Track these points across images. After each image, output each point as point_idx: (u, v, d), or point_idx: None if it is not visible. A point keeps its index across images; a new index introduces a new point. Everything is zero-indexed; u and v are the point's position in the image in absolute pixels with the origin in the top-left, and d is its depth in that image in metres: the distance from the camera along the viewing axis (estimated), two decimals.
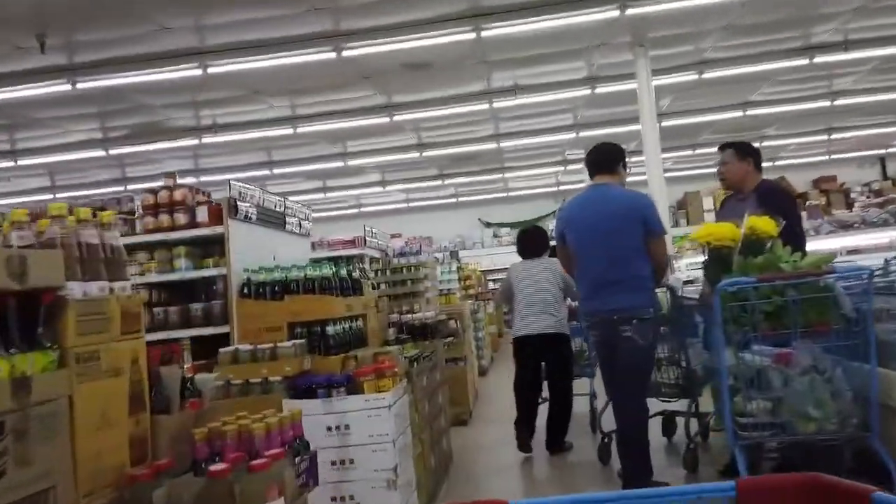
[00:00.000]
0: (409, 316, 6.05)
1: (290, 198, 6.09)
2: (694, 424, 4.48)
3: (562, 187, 19.06)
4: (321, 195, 16.91)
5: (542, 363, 5.29)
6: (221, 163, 13.40)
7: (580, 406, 5.63)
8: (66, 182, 14.11)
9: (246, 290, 4.57)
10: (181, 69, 7.95)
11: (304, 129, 10.94)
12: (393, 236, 10.49)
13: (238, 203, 4.73)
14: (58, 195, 14.15)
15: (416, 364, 4.62)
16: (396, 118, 10.81)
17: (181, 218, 4.76)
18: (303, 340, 4.23)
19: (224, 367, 3.90)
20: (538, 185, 18.80)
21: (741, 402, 3.23)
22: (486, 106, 10.65)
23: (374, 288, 5.79)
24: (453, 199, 19.47)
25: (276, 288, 4.53)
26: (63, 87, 8.06)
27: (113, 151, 11.47)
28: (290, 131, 10.98)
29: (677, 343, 4.42)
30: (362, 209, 19.37)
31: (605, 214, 3.90)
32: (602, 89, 10.42)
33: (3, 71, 7.88)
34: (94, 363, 1.87)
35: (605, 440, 4.59)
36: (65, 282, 1.79)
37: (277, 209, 5.44)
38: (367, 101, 10.43)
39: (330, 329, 4.39)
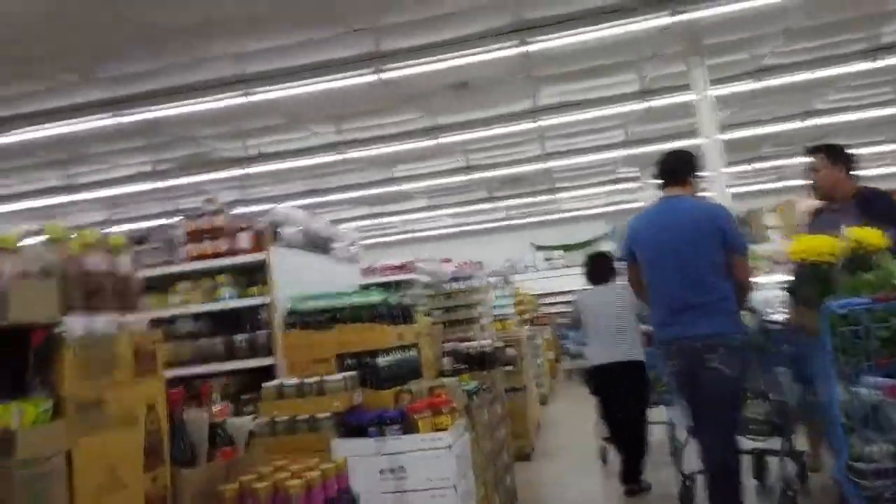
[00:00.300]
0: (465, 344, 5.67)
1: (339, 225, 5.86)
2: (789, 465, 3.95)
3: (613, 207, 18.51)
4: (369, 221, 16.79)
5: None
6: (269, 193, 13.40)
7: (656, 433, 5.18)
8: (121, 216, 14.32)
9: (291, 320, 4.29)
10: (224, 98, 7.86)
11: (350, 155, 10.79)
12: (444, 261, 10.16)
13: (281, 228, 4.48)
14: (113, 228, 14.37)
15: (475, 397, 4.26)
16: (442, 140, 10.56)
17: (223, 244, 4.53)
18: (353, 373, 3.94)
19: (268, 403, 3.64)
20: (589, 206, 18.31)
21: (858, 444, 2.75)
22: (533, 124, 10.31)
23: (426, 315, 5.45)
24: (504, 223, 19.13)
25: (323, 317, 4.24)
26: (109, 120, 8.07)
27: (162, 184, 11.54)
28: (336, 158, 10.85)
29: (765, 373, 3.93)
30: (412, 234, 19.18)
31: (678, 229, 3.49)
32: (656, 102, 9.97)
33: (55, 105, 7.95)
34: (99, 412, 1.57)
35: (688, 483, 4.10)
36: (59, 316, 1.50)
37: (323, 234, 5.18)
38: (412, 125, 10.22)
39: (381, 360, 4.06)
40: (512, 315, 10.78)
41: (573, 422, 7.16)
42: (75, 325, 1.52)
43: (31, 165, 10.36)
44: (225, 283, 4.54)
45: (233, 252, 4.51)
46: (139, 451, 1.72)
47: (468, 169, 13.04)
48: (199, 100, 7.86)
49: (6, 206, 12.15)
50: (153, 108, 7.97)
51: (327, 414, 3.40)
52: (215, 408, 2.11)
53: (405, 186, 13.44)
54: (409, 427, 3.21)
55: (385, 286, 5.61)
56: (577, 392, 10.74)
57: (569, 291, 20.13)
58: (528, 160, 12.77)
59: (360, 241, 5.98)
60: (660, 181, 3.78)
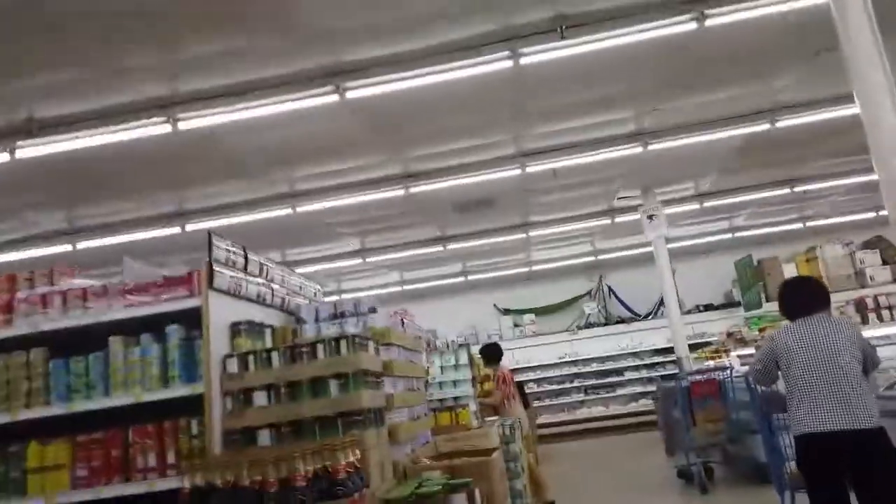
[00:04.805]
0: None
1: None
2: None
3: (601, 257, 13.74)
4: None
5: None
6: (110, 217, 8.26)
7: None
8: None
9: None
10: None
11: (188, 122, 5.79)
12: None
13: None
14: None
15: None
16: (351, 95, 5.69)
17: None
18: None
19: None
20: (568, 256, 13.51)
21: None
22: (507, 63, 5.52)
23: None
24: (461, 278, 14.11)
25: None
26: None
27: None
28: (166, 128, 5.82)
29: None
30: (343, 295, 14.00)
31: None
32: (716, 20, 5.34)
33: None
34: None
35: None
36: None
37: None
38: (301, 62, 5.37)
39: None
40: (467, 398, 5.67)
41: None
42: None
43: None
44: None
45: None
46: None
47: (407, 178, 8.15)
48: None
49: None
50: None
51: None
52: None
53: (312, 206, 8.36)
54: None
55: None
56: None
57: (543, 366, 15.44)
58: (496, 163, 7.96)
59: None
60: None
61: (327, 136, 6.64)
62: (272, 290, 3.29)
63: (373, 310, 3.34)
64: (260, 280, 3.18)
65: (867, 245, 13.77)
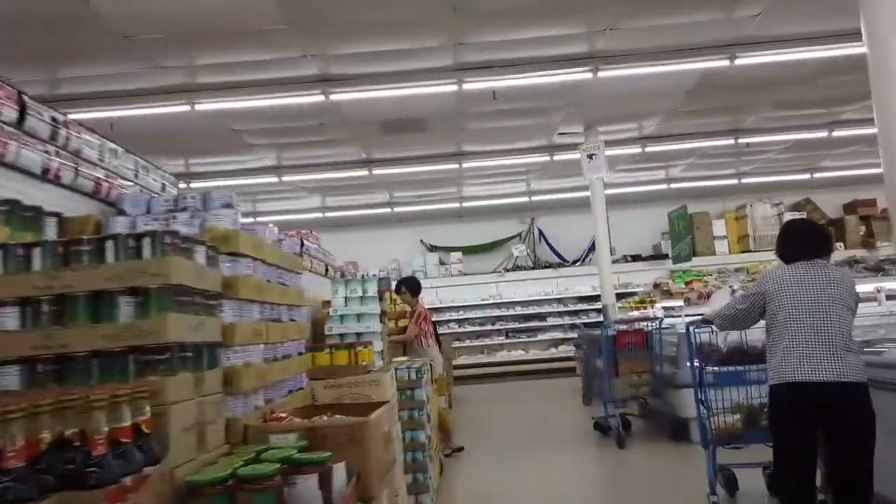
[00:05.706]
0: None
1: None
2: None
3: (535, 198, 13.02)
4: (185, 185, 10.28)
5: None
6: None
7: None
8: None
9: None
10: None
11: None
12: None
13: None
14: None
15: None
16: None
17: None
18: None
19: None
20: (502, 195, 12.71)
21: None
22: None
23: None
24: (387, 210, 13.11)
25: None
26: None
27: None
28: None
29: None
30: (258, 218, 12.75)
31: None
32: None
33: None
34: None
35: None
36: None
37: None
38: None
39: None
40: (371, 334, 4.83)
41: None
42: None
43: None
44: None
45: None
46: None
47: (326, 82, 6.99)
48: None
49: None
50: None
51: None
52: None
53: (214, 105, 7.09)
54: None
55: None
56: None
57: (467, 306, 14.81)
58: (430, 74, 6.91)
59: None
60: None
61: (233, 14, 5.41)
62: (75, 166, 2.24)
63: (227, 206, 2.36)
64: (51, 147, 2.13)
65: (795, 207, 13.67)
